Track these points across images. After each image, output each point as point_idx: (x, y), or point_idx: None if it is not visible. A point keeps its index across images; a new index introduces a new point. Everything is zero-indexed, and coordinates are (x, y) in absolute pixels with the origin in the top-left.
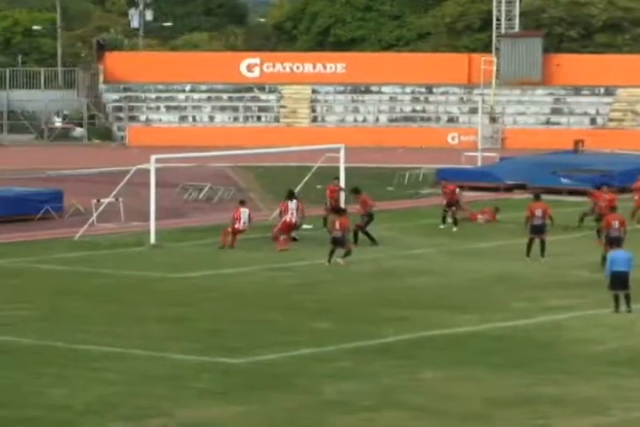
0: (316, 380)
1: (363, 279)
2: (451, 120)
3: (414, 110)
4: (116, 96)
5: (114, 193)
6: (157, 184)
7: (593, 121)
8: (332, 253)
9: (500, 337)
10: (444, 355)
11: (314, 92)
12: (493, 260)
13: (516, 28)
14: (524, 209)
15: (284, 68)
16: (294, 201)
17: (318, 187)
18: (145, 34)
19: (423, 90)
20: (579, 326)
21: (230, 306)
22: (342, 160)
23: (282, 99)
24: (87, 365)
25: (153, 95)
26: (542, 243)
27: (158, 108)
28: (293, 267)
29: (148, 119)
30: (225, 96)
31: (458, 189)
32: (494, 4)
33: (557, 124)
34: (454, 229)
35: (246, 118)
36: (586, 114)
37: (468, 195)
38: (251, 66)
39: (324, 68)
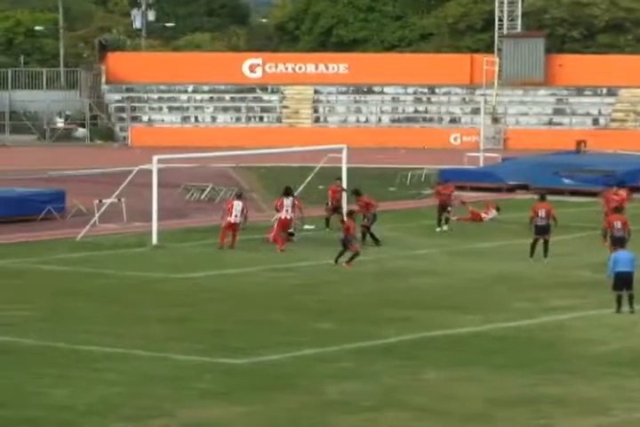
0: (318, 380)
1: (365, 280)
2: (453, 121)
3: (417, 111)
4: (118, 96)
5: (116, 193)
6: (159, 185)
7: (595, 121)
8: (340, 253)
9: (503, 337)
10: (446, 355)
11: (316, 92)
12: (496, 260)
13: (519, 29)
14: (526, 209)
15: (287, 68)
16: (290, 198)
17: (320, 187)
18: (147, 34)
19: (425, 90)
20: (581, 327)
21: (233, 306)
22: (344, 160)
23: (284, 99)
24: (89, 365)
25: (155, 96)
26: (545, 243)
27: (161, 108)
28: (296, 267)
29: (150, 120)
30: (227, 96)
31: (455, 193)
32: (496, 4)
33: (560, 124)
34: (445, 228)
35: (248, 119)
36: (588, 114)
37: (470, 195)
38: (253, 66)
39: (327, 68)
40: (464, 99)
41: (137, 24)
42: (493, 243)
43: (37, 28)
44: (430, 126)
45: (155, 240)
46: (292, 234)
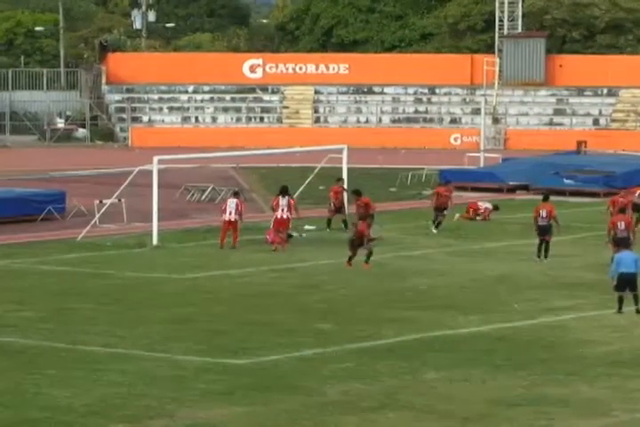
0: (319, 381)
1: (366, 280)
2: (453, 121)
3: (417, 111)
4: (118, 97)
5: (116, 194)
6: (160, 185)
7: (596, 122)
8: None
9: (503, 338)
10: (446, 356)
11: (316, 92)
12: (496, 260)
13: (519, 29)
14: (526, 210)
15: (287, 68)
16: (286, 197)
17: (321, 188)
18: (147, 35)
19: (426, 91)
20: (581, 327)
21: (233, 307)
22: (345, 161)
23: (284, 99)
24: (90, 366)
25: (155, 96)
26: (546, 244)
27: (161, 108)
28: (297, 268)
29: (150, 120)
30: (227, 97)
31: (454, 194)
32: (497, 4)
33: (560, 124)
34: (434, 230)
35: (249, 119)
36: (588, 115)
37: (471, 196)
38: (253, 67)
39: (327, 68)
40: (464, 99)
41: (137, 24)
42: (494, 243)
43: (38, 28)
44: (431, 127)
45: (155, 241)
46: (290, 236)
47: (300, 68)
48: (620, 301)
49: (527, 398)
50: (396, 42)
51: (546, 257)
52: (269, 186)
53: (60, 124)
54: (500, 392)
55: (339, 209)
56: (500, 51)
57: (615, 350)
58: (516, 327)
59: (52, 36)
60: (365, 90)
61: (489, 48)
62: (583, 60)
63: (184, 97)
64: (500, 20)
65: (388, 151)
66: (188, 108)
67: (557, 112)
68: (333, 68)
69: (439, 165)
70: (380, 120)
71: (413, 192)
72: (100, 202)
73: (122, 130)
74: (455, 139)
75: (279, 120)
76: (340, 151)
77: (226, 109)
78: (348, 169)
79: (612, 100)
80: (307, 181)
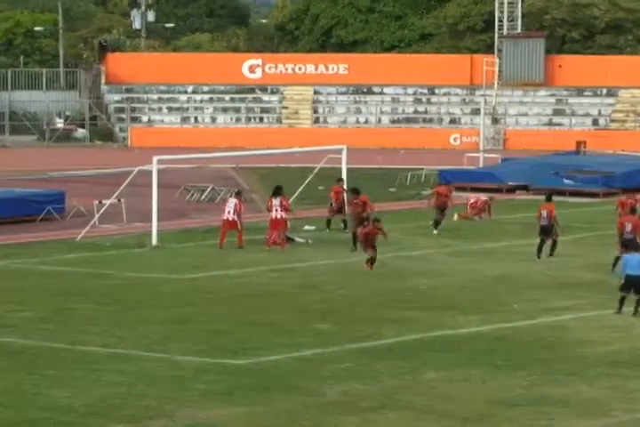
0: (318, 381)
1: (365, 280)
2: (453, 121)
3: (416, 111)
4: (117, 97)
5: (116, 194)
6: (159, 185)
7: (595, 122)
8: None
9: (503, 338)
10: (446, 356)
11: (316, 93)
12: (495, 260)
13: (519, 30)
14: (525, 210)
15: (286, 69)
16: (278, 198)
17: (320, 188)
18: (147, 35)
19: (425, 91)
20: (581, 327)
21: (233, 307)
22: (344, 161)
23: (284, 100)
24: (89, 366)
25: (155, 96)
26: (553, 242)
27: (160, 109)
28: (296, 268)
29: (150, 120)
30: (227, 97)
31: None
32: (496, 5)
33: (559, 125)
34: (435, 231)
35: (248, 119)
36: (588, 115)
37: (470, 196)
38: (253, 67)
39: (326, 69)
40: (464, 99)
41: (137, 25)
42: (493, 244)
43: (37, 28)
44: (430, 127)
45: (155, 241)
46: (291, 239)
47: (300, 69)
48: (621, 301)
49: (527, 398)
50: (396, 42)
51: (551, 255)
52: (269, 186)
53: (60, 124)
54: (499, 392)
55: (339, 209)
56: (499, 51)
57: (615, 350)
58: (516, 327)
59: (51, 36)
60: (365, 90)
61: (488, 48)
62: (583, 60)
63: (183, 97)
64: (500, 21)
65: (388, 151)
66: (188, 109)
67: (557, 112)
68: (333, 69)
69: (438, 166)
70: (380, 120)
71: (413, 192)
72: (100, 202)
73: (121, 130)
74: (454, 139)
75: (278, 120)
76: (339, 151)
77: (225, 110)
78: (348, 169)
79: (611, 100)
80: (306, 182)
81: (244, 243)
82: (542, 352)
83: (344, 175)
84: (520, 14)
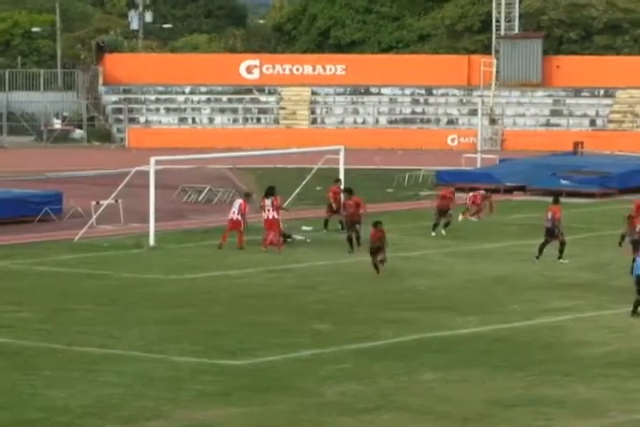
0: (316, 382)
1: (363, 281)
2: (450, 122)
3: (414, 112)
4: (115, 98)
5: (113, 195)
6: (157, 186)
7: (592, 123)
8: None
9: (501, 339)
10: (444, 357)
11: (313, 93)
12: (493, 261)
13: (516, 30)
14: (522, 211)
15: (284, 69)
16: (270, 198)
17: (318, 188)
18: (144, 35)
19: (423, 91)
20: (579, 328)
21: (230, 308)
22: (342, 162)
23: (281, 100)
24: (86, 367)
25: (152, 97)
26: (560, 244)
27: (158, 109)
28: (294, 269)
29: (147, 121)
30: (224, 98)
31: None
32: (494, 5)
33: (557, 125)
34: (443, 232)
35: (246, 120)
36: (585, 115)
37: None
38: (250, 67)
39: (324, 69)
40: (461, 100)
41: (134, 25)
42: (491, 244)
43: (35, 29)
44: (428, 127)
45: (152, 242)
46: (286, 239)
47: (297, 69)
48: (636, 304)
49: (525, 398)
50: (394, 43)
51: (560, 258)
52: (266, 187)
53: (57, 124)
54: (497, 393)
55: (337, 210)
56: (497, 51)
57: (613, 350)
58: (514, 328)
59: (49, 36)
60: (362, 91)
61: (486, 49)
62: (580, 60)
63: (181, 98)
64: (497, 21)
65: (385, 152)
66: (185, 109)
67: (554, 113)
68: (330, 69)
69: (436, 166)
70: (377, 121)
71: (410, 193)
72: (97, 203)
73: (119, 131)
74: (452, 140)
75: (276, 121)
76: (336, 152)
77: (223, 110)
78: (345, 170)
79: (608, 100)
80: (304, 182)
81: (245, 244)
82: (540, 353)
83: (342, 176)
84: (517, 15)
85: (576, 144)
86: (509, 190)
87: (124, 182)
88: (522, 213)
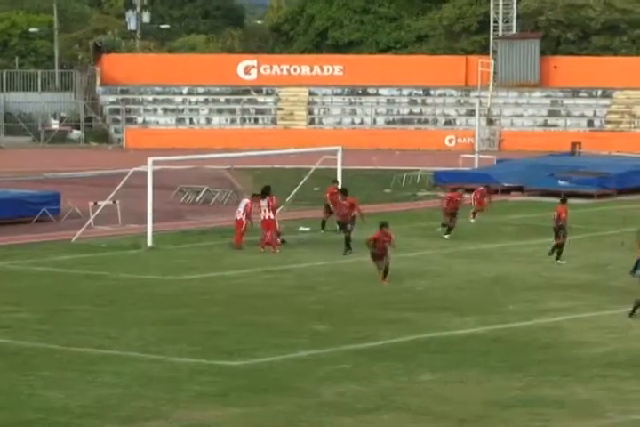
0: (314, 382)
1: (361, 281)
2: (448, 122)
3: (411, 112)
4: (113, 98)
5: (111, 195)
6: (154, 186)
7: (590, 123)
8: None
9: (499, 339)
10: (442, 357)
11: (311, 94)
12: (492, 262)
13: (514, 31)
14: (520, 211)
15: (282, 70)
16: (265, 198)
17: (316, 189)
18: (142, 36)
19: (420, 92)
20: (577, 329)
21: (228, 308)
22: (340, 162)
23: (279, 101)
24: (84, 367)
25: (150, 97)
26: (564, 243)
27: (155, 110)
28: (292, 269)
29: (145, 121)
30: (222, 98)
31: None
32: (492, 6)
33: (554, 126)
34: (446, 236)
35: (243, 120)
36: (583, 116)
37: (466, 197)
38: (248, 68)
39: (322, 70)
40: (459, 100)
41: (132, 26)
42: (489, 245)
43: (32, 29)
44: (425, 128)
45: (150, 242)
46: (283, 241)
47: (295, 70)
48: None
49: (523, 399)
50: (391, 43)
51: (557, 259)
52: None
53: (55, 125)
54: (495, 394)
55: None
56: (494, 52)
57: (610, 351)
58: (512, 329)
59: (46, 37)
60: (360, 91)
61: (483, 49)
62: (578, 61)
63: (178, 98)
64: (495, 22)
65: (383, 152)
66: (183, 110)
67: (552, 113)
68: (328, 70)
69: (434, 167)
70: (375, 121)
71: (408, 193)
72: (95, 203)
73: (116, 131)
74: (450, 140)
75: (274, 121)
76: (334, 153)
77: (220, 111)
78: (343, 170)
79: (606, 101)
80: (301, 183)
81: (244, 244)
82: (538, 353)
83: (339, 176)
84: (515, 15)
85: (574, 145)
86: (507, 191)
87: (122, 183)
88: (520, 214)
